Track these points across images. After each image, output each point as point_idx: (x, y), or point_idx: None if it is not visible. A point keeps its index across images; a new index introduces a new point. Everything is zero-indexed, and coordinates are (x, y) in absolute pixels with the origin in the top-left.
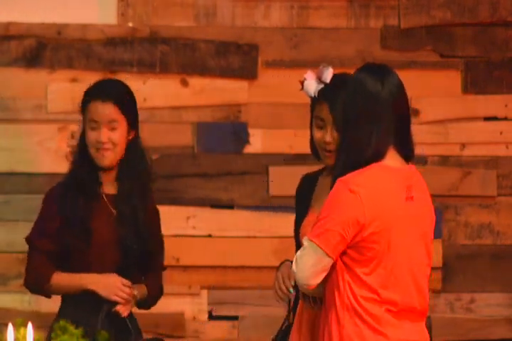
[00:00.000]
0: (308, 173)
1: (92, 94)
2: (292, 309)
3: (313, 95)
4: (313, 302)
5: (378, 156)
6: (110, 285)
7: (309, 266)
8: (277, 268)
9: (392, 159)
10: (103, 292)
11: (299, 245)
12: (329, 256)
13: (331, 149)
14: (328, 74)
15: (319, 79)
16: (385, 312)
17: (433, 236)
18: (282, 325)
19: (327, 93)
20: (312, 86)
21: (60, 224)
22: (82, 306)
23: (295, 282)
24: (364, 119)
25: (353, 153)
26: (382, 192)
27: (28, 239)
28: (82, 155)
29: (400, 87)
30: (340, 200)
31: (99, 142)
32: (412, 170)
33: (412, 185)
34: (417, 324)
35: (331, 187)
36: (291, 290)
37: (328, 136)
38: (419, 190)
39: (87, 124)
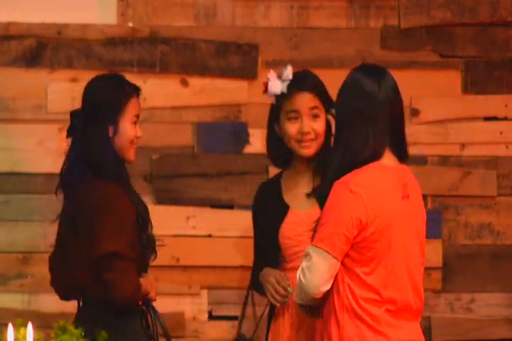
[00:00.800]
0: (266, 181)
1: (133, 90)
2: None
3: (280, 92)
4: (310, 312)
5: (375, 157)
6: (154, 286)
7: (321, 273)
8: (260, 277)
9: (387, 159)
10: (152, 293)
11: (274, 248)
12: (337, 259)
13: (310, 138)
14: (289, 72)
15: (281, 79)
16: (384, 313)
17: (425, 236)
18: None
19: (297, 84)
20: (278, 85)
21: (138, 228)
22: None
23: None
24: (360, 120)
25: (349, 154)
26: (381, 190)
27: (118, 251)
28: (114, 151)
29: (395, 87)
30: (342, 202)
31: (137, 137)
32: (405, 170)
33: (407, 184)
34: (413, 323)
35: (324, 186)
36: (290, 289)
37: (306, 127)
38: (413, 189)
39: (127, 119)
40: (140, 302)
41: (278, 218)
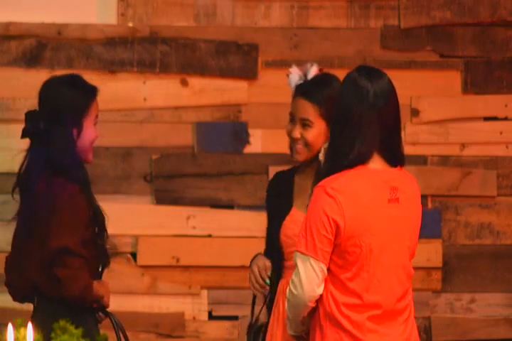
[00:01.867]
0: (281, 171)
1: (94, 91)
2: (268, 305)
3: (293, 87)
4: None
5: (361, 161)
6: (108, 292)
7: (310, 279)
8: (250, 262)
9: (374, 163)
10: (107, 297)
11: (273, 244)
12: (323, 262)
13: (300, 144)
14: (311, 72)
15: (303, 75)
16: (366, 320)
17: (418, 237)
18: (253, 320)
19: (302, 89)
20: (293, 80)
21: (93, 230)
22: (76, 309)
23: (271, 273)
24: (350, 122)
25: (337, 158)
26: (361, 194)
27: (68, 246)
28: (78, 153)
29: (390, 91)
30: (319, 204)
31: (96, 137)
32: (397, 173)
33: (398, 187)
34: (404, 325)
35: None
36: (268, 281)
37: (296, 132)
38: (405, 192)
39: (89, 121)
40: (95, 305)
41: (282, 214)
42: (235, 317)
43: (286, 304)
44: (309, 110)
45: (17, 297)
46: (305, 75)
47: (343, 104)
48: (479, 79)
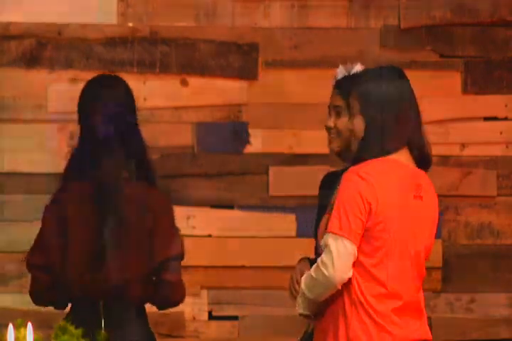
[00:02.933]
0: (333, 171)
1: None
2: None
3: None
4: (314, 318)
5: (388, 152)
6: None
7: (344, 260)
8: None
9: (400, 155)
10: None
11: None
12: (354, 244)
13: (332, 135)
14: (355, 69)
15: (347, 73)
16: (391, 312)
17: (434, 241)
18: (307, 328)
19: (339, 81)
20: (336, 77)
21: None
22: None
23: None
24: (397, 121)
25: (364, 150)
26: (391, 182)
27: (181, 253)
28: None
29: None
30: (352, 187)
31: None
32: (421, 172)
33: (422, 185)
34: (420, 322)
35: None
36: None
37: (328, 122)
38: (428, 192)
39: None
40: None
41: (320, 214)
42: (235, 317)
43: (310, 284)
44: (341, 99)
45: (86, 302)
46: (349, 73)
47: (387, 105)
48: (479, 79)
